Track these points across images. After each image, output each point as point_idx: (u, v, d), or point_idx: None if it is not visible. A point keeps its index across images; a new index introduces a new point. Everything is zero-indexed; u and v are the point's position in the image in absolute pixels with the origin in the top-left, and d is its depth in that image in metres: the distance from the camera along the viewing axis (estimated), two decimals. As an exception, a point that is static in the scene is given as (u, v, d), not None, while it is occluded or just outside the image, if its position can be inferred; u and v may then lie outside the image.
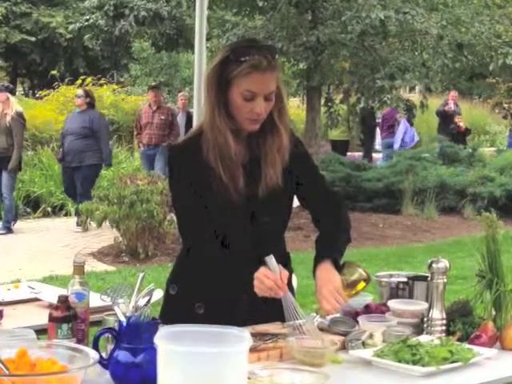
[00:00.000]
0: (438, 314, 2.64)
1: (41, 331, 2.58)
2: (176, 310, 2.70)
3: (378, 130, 17.78)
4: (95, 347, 2.17)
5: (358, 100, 11.95)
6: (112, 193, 8.79)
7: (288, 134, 2.70)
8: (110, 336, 2.29)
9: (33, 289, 3.65)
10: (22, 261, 8.67)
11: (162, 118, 11.62)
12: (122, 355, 2.16)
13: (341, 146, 16.32)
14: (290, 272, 2.74)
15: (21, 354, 1.98)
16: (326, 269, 2.60)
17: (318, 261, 2.64)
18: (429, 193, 11.94)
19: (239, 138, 2.65)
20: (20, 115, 10.13)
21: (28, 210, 11.77)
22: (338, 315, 2.75)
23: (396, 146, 16.32)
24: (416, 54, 11.90)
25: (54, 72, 20.11)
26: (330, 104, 11.98)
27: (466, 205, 11.92)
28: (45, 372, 1.91)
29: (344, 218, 2.79)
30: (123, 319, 2.22)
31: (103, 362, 2.17)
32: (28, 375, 1.90)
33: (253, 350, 2.29)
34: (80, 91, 10.89)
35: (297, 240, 9.24)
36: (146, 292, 2.31)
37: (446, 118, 17.54)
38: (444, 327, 2.64)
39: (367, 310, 2.86)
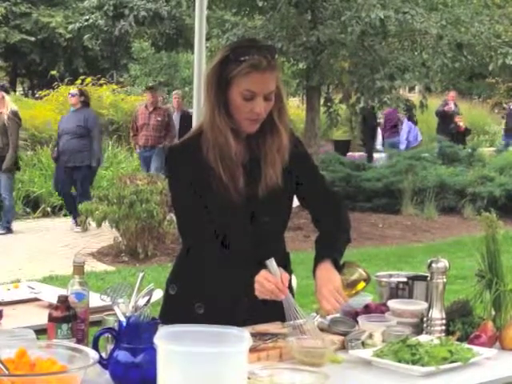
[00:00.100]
0: (437, 313, 2.64)
1: (40, 331, 2.58)
2: (176, 310, 2.70)
3: (378, 130, 17.77)
4: (95, 347, 2.17)
5: (358, 100, 11.95)
6: (111, 193, 8.80)
7: (288, 133, 2.70)
8: (109, 336, 2.29)
9: (32, 289, 3.65)
10: (21, 261, 8.67)
11: (159, 119, 11.57)
12: (122, 355, 2.16)
13: (343, 146, 16.35)
14: (290, 272, 2.74)
15: (20, 354, 1.98)
16: (326, 269, 2.60)
17: (317, 261, 2.64)
18: (428, 193, 11.94)
19: (239, 137, 2.65)
20: (15, 114, 10.11)
21: (28, 210, 11.76)
22: (337, 315, 2.75)
23: (402, 146, 16.33)
24: (415, 53, 11.90)
25: (53, 72, 20.12)
26: (329, 104, 11.97)
27: (466, 205, 11.92)
28: (44, 372, 1.91)
29: (344, 218, 2.79)
30: (123, 319, 2.22)
31: (103, 362, 2.17)
32: (28, 375, 1.90)
33: (253, 349, 2.29)
34: (74, 90, 10.84)
35: (297, 240, 9.24)
36: (145, 292, 2.31)
37: (445, 119, 17.54)
38: (444, 327, 2.64)
39: (367, 309, 2.86)
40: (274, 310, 2.58)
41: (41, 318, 2.74)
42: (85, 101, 10.41)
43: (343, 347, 2.53)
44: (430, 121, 18.50)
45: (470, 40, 11.01)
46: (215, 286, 2.63)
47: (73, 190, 10.68)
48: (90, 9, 13.04)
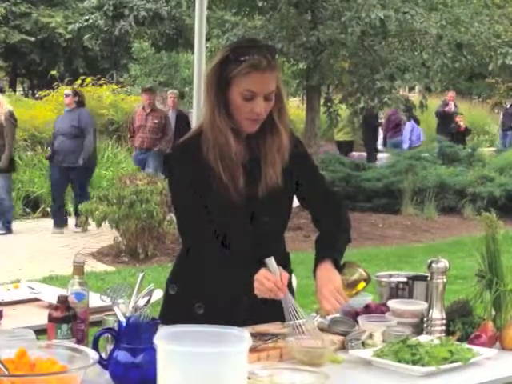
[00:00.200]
0: (437, 313, 2.64)
1: (40, 331, 2.58)
2: (176, 310, 2.70)
3: (379, 130, 17.78)
4: (95, 347, 2.17)
5: (358, 100, 11.95)
6: (111, 193, 8.79)
7: (288, 133, 2.70)
8: (109, 336, 2.29)
9: (32, 289, 3.65)
10: (21, 261, 8.67)
11: (156, 121, 11.49)
12: (122, 355, 2.16)
13: (346, 147, 16.35)
14: (290, 272, 2.74)
15: (20, 354, 1.98)
16: (327, 269, 2.60)
17: (318, 261, 2.64)
18: (428, 193, 11.94)
19: (239, 137, 2.65)
20: (11, 115, 10.09)
21: (27, 210, 11.76)
22: (337, 315, 2.75)
23: (405, 145, 16.32)
24: (415, 53, 11.90)
25: (53, 72, 20.11)
26: (329, 104, 11.97)
27: (466, 205, 11.92)
28: (44, 372, 1.91)
29: (344, 217, 2.79)
30: (123, 319, 2.22)
31: (103, 362, 2.17)
32: (27, 375, 1.90)
33: (253, 350, 2.29)
34: (68, 90, 10.74)
35: (297, 240, 9.24)
36: (145, 292, 2.31)
37: (445, 119, 17.56)
38: (444, 327, 2.64)
39: (367, 309, 2.86)
40: (274, 310, 2.57)
41: (41, 318, 2.74)
42: (79, 101, 10.30)
43: (343, 347, 2.53)
44: (429, 121, 18.52)
45: (469, 40, 11.01)
46: (215, 285, 2.63)
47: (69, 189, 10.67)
48: (90, 9, 13.04)
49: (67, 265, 6.40)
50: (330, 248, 2.67)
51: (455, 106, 18.27)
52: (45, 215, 11.84)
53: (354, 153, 16.99)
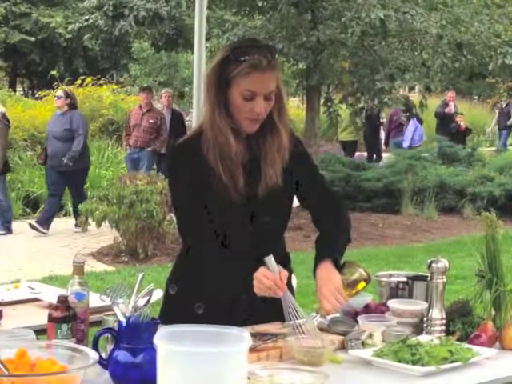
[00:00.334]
0: (437, 313, 2.64)
1: (40, 331, 2.58)
2: (176, 310, 2.70)
3: (381, 130, 17.78)
4: (95, 347, 2.17)
5: (358, 100, 11.95)
6: (111, 193, 8.79)
7: (288, 133, 2.70)
8: (109, 336, 2.29)
9: (32, 289, 3.65)
10: (21, 261, 8.67)
11: (151, 121, 11.44)
12: (122, 355, 2.16)
13: (350, 146, 16.35)
14: (290, 272, 2.74)
15: (20, 354, 1.98)
16: (327, 268, 2.60)
17: (318, 260, 2.64)
18: (428, 192, 11.94)
19: (239, 137, 2.65)
20: (3, 116, 10.04)
21: (27, 210, 11.76)
22: (337, 315, 2.75)
23: (405, 144, 16.32)
24: (415, 53, 11.90)
25: (53, 72, 20.12)
26: (329, 104, 11.97)
27: (466, 204, 11.92)
28: (44, 372, 1.91)
29: (344, 217, 2.79)
30: (123, 319, 2.22)
31: (103, 362, 2.17)
32: (27, 375, 1.90)
33: (252, 349, 2.29)
34: (60, 92, 10.48)
35: (297, 240, 9.24)
36: (145, 292, 2.31)
37: (444, 120, 17.56)
38: (443, 327, 2.64)
39: (367, 309, 2.86)
40: (274, 310, 2.57)
41: (41, 318, 2.74)
42: (71, 103, 10.12)
43: (343, 347, 2.53)
44: (429, 121, 18.52)
45: (469, 40, 11.01)
46: (215, 285, 2.63)
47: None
48: (90, 9, 13.02)
49: (67, 265, 6.40)
50: (330, 248, 2.67)
51: (455, 106, 18.26)
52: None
53: (358, 153, 16.99)
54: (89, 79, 17.32)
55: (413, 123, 16.36)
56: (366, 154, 17.44)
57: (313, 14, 11.13)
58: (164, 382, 1.85)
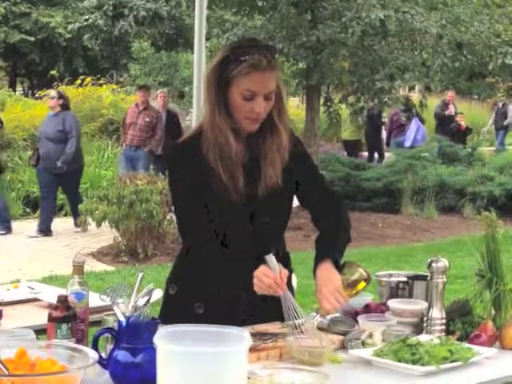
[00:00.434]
0: (437, 313, 2.64)
1: (40, 331, 2.58)
2: (176, 310, 2.70)
3: (383, 130, 17.78)
4: (95, 347, 2.17)
5: (358, 99, 11.96)
6: (111, 193, 8.79)
7: (288, 133, 2.70)
8: (109, 336, 2.29)
9: (32, 289, 3.65)
10: (21, 261, 8.67)
11: (147, 120, 11.37)
12: (122, 355, 2.16)
13: (352, 146, 16.35)
14: (290, 272, 2.74)
15: (20, 354, 1.98)
16: (327, 268, 2.60)
17: (318, 260, 2.64)
18: (428, 192, 11.94)
19: (239, 137, 2.65)
20: None
21: (28, 210, 11.76)
22: (337, 315, 2.75)
23: (407, 143, 16.32)
24: (415, 53, 11.90)
25: (53, 72, 20.13)
26: (329, 104, 11.97)
27: (466, 204, 11.92)
28: (44, 372, 1.91)
29: (344, 217, 2.79)
30: (123, 319, 2.22)
31: (103, 362, 2.17)
32: (27, 375, 1.90)
33: (252, 349, 2.29)
34: (53, 92, 10.42)
35: (297, 240, 9.24)
36: (145, 292, 2.31)
37: (445, 121, 17.57)
38: (444, 326, 2.64)
39: (367, 309, 2.85)
40: (274, 309, 2.57)
41: (40, 318, 2.74)
42: (64, 104, 10.02)
43: (343, 347, 2.53)
44: (429, 121, 18.52)
45: (469, 39, 11.01)
46: (215, 285, 2.63)
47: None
48: (90, 9, 13.03)
49: (67, 265, 6.40)
50: (330, 248, 2.67)
51: (454, 106, 18.27)
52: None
53: (363, 153, 16.98)
54: (89, 79, 17.34)
55: (415, 123, 16.36)
56: (366, 153, 17.44)
57: (313, 13, 11.13)
58: (164, 381, 1.85)
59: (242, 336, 1.89)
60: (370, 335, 2.56)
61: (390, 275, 3.07)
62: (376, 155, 17.25)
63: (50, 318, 2.39)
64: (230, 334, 1.91)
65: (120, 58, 27.67)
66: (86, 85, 17.13)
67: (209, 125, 2.63)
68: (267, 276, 2.49)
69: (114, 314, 2.28)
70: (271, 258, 2.52)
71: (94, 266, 8.45)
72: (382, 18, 10.14)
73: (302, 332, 2.50)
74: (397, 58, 11.11)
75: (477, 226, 2.93)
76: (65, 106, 10.06)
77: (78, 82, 17.20)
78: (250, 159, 2.67)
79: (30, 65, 27.77)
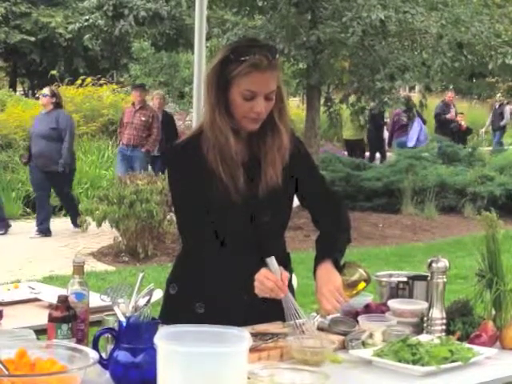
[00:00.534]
0: (437, 313, 2.64)
1: (40, 331, 2.58)
2: (176, 310, 2.70)
3: (385, 130, 17.77)
4: (95, 347, 2.17)
5: (358, 99, 11.95)
6: (112, 193, 8.79)
7: (288, 133, 2.70)
8: (109, 336, 2.29)
9: (32, 289, 3.65)
10: (21, 261, 8.68)
11: (143, 119, 11.35)
12: (122, 355, 2.16)
13: (354, 146, 16.33)
14: (290, 272, 2.74)
15: (20, 354, 1.98)
16: (327, 269, 2.60)
17: (318, 261, 2.64)
18: (428, 192, 11.94)
19: (239, 137, 2.65)
20: None
21: (28, 210, 11.76)
22: (338, 315, 2.75)
23: (410, 143, 16.31)
24: (415, 53, 11.89)
25: (53, 72, 20.13)
26: (329, 104, 11.97)
27: (466, 204, 11.92)
28: (44, 372, 1.91)
29: (344, 217, 2.79)
30: (123, 319, 2.22)
31: (103, 362, 2.17)
32: (28, 375, 1.90)
33: (253, 349, 2.29)
34: (45, 90, 10.26)
35: (297, 240, 9.23)
36: (145, 292, 2.31)
37: (445, 123, 17.57)
38: (444, 327, 2.64)
39: (367, 309, 2.85)
40: (274, 310, 2.58)
41: (41, 318, 2.74)
42: (57, 102, 9.93)
43: (343, 347, 2.53)
44: (429, 121, 18.53)
45: (470, 39, 11.00)
46: (215, 285, 2.63)
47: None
48: (90, 9, 13.01)
49: (67, 265, 6.40)
50: (330, 248, 2.67)
51: (454, 106, 18.28)
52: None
53: (367, 153, 16.97)
54: (89, 79, 17.33)
55: (417, 123, 16.36)
56: (367, 153, 17.43)
57: (313, 13, 11.13)
58: (164, 381, 1.85)
59: (242, 336, 1.89)
60: (371, 335, 2.56)
61: (390, 275, 3.07)
62: (378, 155, 17.25)
63: (51, 318, 2.39)
64: (231, 335, 1.91)
65: (120, 58, 27.66)
66: (87, 85, 17.13)
67: (209, 125, 2.63)
68: (269, 279, 2.49)
69: (115, 314, 2.28)
70: (272, 261, 2.52)
71: (94, 266, 8.46)
72: (383, 18, 10.14)
73: (302, 332, 2.50)
74: (397, 58, 11.10)
75: (477, 226, 2.93)
76: (57, 105, 9.98)
77: (79, 82, 17.20)
78: (250, 159, 2.67)
79: (30, 65, 27.77)
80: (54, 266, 8.19)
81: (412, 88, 23.14)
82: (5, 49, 26.05)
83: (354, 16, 10.33)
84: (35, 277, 7.18)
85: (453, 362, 2.37)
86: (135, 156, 11.36)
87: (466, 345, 2.51)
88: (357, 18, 10.31)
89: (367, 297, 2.93)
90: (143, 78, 24.26)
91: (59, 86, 16.73)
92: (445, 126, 17.47)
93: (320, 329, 2.62)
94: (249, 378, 1.99)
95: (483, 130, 23.22)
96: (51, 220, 10.43)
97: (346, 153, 16.48)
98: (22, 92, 27.96)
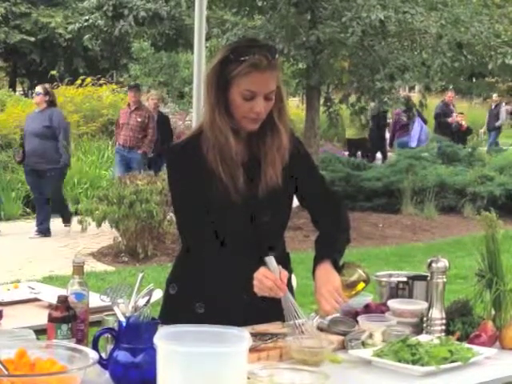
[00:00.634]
0: (437, 313, 2.64)
1: (40, 331, 2.58)
2: (176, 310, 2.70)
3: (386, 130, 17.77)
4: (95, 347, 2.17)
5: (358, 99, 11.96)
6: (111, 193, 8.79)
7: (288, 133, 2.70)
8: (109, 336, 2.29)
9: (32, 289, 3.65)
10: (21, 261, 8.67)
11: (139, 120, 11.32)
12: (122, 355, 2.16)
13: (357, 145, 16.31)
14: (290, 272, 2.74)
15: (20, 354, 1.98)
16: (326, 269, 2.60)
17: (317, 261, 2.64)
18: (428, 192, 11.94)
19: (239, 137, 2.65)
20: None
21: (28, 210, 11.76)
22: (337, 315, 2.75)
23: (413, 144, 16.32)
24: (415, 53, 11.90)
25: (53, 72, 20.13)
26: (329, 104, 11.97)
27: (466, 204, 11.92)
28: (44, 372, 1.91)
29: (343, 218, 2.79)
30: (123, 319, 2.22)
31: (103, 362, 2.17)
32: (27, 375, 1.90)
33: (253, 349, 2.29)
34: (39, 88, 10.16)
35: (296, 240, 9.24)
36: (145, 292, 2.31)
37: (445, 123, 17.57)
38: (444, 327, 2.64)
39: (367, 309, 2.85)
40: (274, 310, 2.58)
41: (41, 318, 2.74)
42: (50, 100, 9.87)
43: (343, 347, 2.53)
44: (429, 121, 18.54)
45: (469, 39, 11.00)
46: (215, 285, 2.63)
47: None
48: (90, 9, 13.02)
49: (67, 265, 6.40)
50: (330, 248, 2.67)
51: (453, 105, 18.29)
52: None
53: (369, 153, 16.96)
54: (89, 79, 17.33)
55: (418, 123, 16.35)
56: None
57: (312, 13, 11.13)
58: (164, 382, 1.85)
59: (242, 336, 1.89)
60: (370, 335, 2.56)
61: (390, 275, 3.07)
62: (379, 155, 17.25)
63: (50, 319, 2.39)
64: (230, 335, 1.91)
65: (120, 58, 27.66)
66: (86, 85, 17.13)
67: (209, 125, 2.63)
68: (268, 278, 2.49)
69: (114, 315, 2.28)
70: (271, 260, 2.52)
71: (94, 266, 8.46)
72: (383, 18, 10.14)
73: (302, 332, 2.50)
74: (397, 58, 11.10)
75: (477, 226, 2.93)
76: (51, 103, 9.91)
77: (78, 82, 17.19)
78: (250, 159, 2.67)
79: (30, 65, 27.78)
80: (54, 266, 8.19)
81: (412, 88, 23.14)
82: (5, 49, 26.07)
83: (353, 16, 10.33)
84: (35, 277, 7.18)
85: (452, 362, 2.37)
86: (133, 158, 11.34)
87: (466, 345, 2.51)
88: (356, 18, 10.31)
89: (367, 297, 2.93)
90: (143, 78, 24.27)
91: (59, 86, 16.74)
92: (445, 126, 17.47)
93: (320, 329, 2.62)
94: (248, 378, 1.99)
95: (482, 130, 23.24)
96: (51, 220, 10.43)
97: (345, 153, 16.48)
98: (22, 92, 27.96)
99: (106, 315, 2.44)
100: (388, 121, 17.59)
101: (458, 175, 12.59)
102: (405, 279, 2.96)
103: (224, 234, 2.63)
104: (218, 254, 2.62)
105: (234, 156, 2.62)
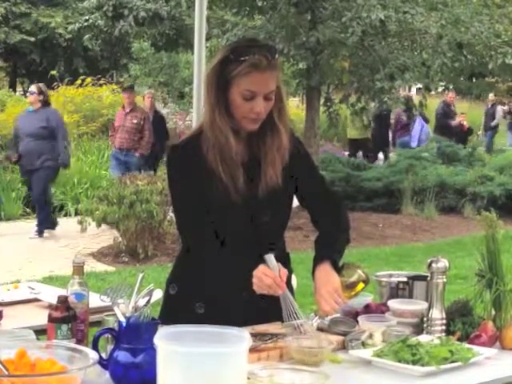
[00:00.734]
0: (437, 313, 2.64)
1: (40, 332, 2.58)
2: (176, 310, 2.70)
3: (388, 130, 17.76)
4: (95, 347, 2.17)
5: (358, 99, 11.96)
6: (112, 193, 8.79)
7: (288, 133, 2.70)
8: (109, 336, 2.29)
9: (32, 289, 3.65)
10: (21, 261, 8.67)
11: (134, 121, 11.24)
12: (122, 355, 2.16)
13: (359, 145, 16.29)
14: (290, 272, 2.74)
15: (20, 354, 1.98)
16: (325, 270, 2.60)
17: (317, 262, 2.64)
18: (428, 192, 11.94)
19: (239, 137, 2.65)
20: None
21: (28, 210, 11.76)
22: (338, 315, 2.75)
23: (414, 143, 16.31)
24: (415, 53, 11.90)
25: (53, 72, 20.12)
26: (329, 104, 11.97)
27: (466, 204, 11.92)
28: (44, 372, 1.91)
29: (343, 218, 2.79)
30: (123, 319, 2.22)
31: (103, 363, 2.17)
32: (27, 376, 1.90)
33: (253, 350, 2.29)
34: (32, 87, 10.06)
35: (296, 240, 9.24)
36: (145, 292, 2.31)
37: (446, 123, 17.57)
38: (444, 327, 2.64)
39: (367, 309, 2.85)
40: (274, 310, 2.57)
41: (41, 318, 2.74)
42: (44, 100, 9.74)
43: (343, 347, 2.53)
44: (430, 121, 18.53)
45: (469, 39, 11.00)
46: (215, 285, 2.64)
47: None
48: (90, 9, 13.02)
49: (67, 265, 6.40)
50: (329, 249, 2.67)
51: (453, 105, 18.28)
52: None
53: (372, 154, 16.94)
54: (89, 79, 17.33)
55: (419, 122, 16.34)
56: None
57: (312, 13, 11.13)
58: (164, 382, 1.85)
59: (242, 336, 1.89)
60: (371, 336, 2.56)
61: (390, 275, 3.07)
62: (381, 155, 17.24)
63: (50, 319, 2.39)
64: (230, 335, 1.91)
65: (120, 59, 27.65)
66: (87, 85, 17.13)
67: (209, 125, 2.63)
68: (267, 276, 2.49)
69: (115, 315, 2.28)
70: (270, 258, 2.52)
71: (94, 266, 8.45)
72: (383, 18, 10.15)
73: (302, 332, 2.50)
74: (397, 58, 11.10)
75: (477, 226, 2.93)
76: (45, 102, 9.79)
77: (79, 82, 17.19)
78: (250, 159, 2.67)
79: (30, 65, 27.77)
80: (54, 267, 8.19)
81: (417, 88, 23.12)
82: (5, 49, 26.05)
83: (353, 16, 10.33)
84: (35, 277, 7.18)
85: (453, 362, 2.37)
86: (130, 161, 11.26)
87: (466, 345, 2.51)
88: (356, 18, 10.31)
89: (367, 297, 2.93)
90: (143, 78, 24.28)
91: (59, 86, 16.74)
92: (446, 126, 17.45)
93: (320, 329, 2.62)
94: (248, 379, 1.99)
95: (480, 131, 23.23)
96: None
97: (346, 153, 16.47)
98: (22, 92, 27.92)
99: (106, 315, 2.44)
100: (391, 121, 17.57)
101: (458, 175, 12.59)
102: (405, 279, 2.95)
103: (224, 234, 2.63)
104: (218, 254, 2.62)
105: (234, 156, 2.62)
